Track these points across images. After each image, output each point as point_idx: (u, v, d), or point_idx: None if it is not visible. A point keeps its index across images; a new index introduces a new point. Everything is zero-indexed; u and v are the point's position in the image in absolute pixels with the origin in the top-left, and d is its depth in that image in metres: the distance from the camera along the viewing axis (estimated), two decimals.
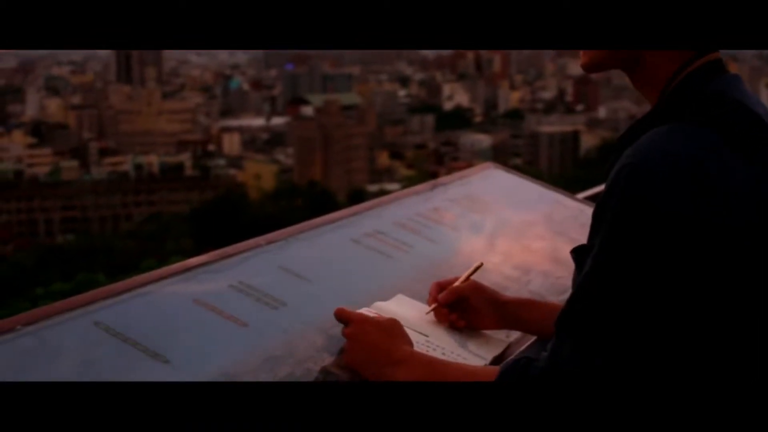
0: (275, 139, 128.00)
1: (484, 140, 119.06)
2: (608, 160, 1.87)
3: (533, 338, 2.49)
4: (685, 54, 1.89)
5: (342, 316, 2.23)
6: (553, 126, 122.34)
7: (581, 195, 4.21)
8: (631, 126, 1.90)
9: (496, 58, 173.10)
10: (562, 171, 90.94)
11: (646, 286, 1.69)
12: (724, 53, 1.93)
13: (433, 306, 2.49)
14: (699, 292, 1.68)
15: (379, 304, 2.49)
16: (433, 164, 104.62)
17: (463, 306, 2.47)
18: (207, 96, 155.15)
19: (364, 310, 2.34)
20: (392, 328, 2.18)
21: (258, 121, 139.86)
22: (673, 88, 1.87)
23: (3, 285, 51.05)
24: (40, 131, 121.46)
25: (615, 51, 1.94)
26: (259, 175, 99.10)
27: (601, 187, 2.46)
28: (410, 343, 2.18)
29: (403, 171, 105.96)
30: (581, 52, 2.00)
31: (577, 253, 1.95)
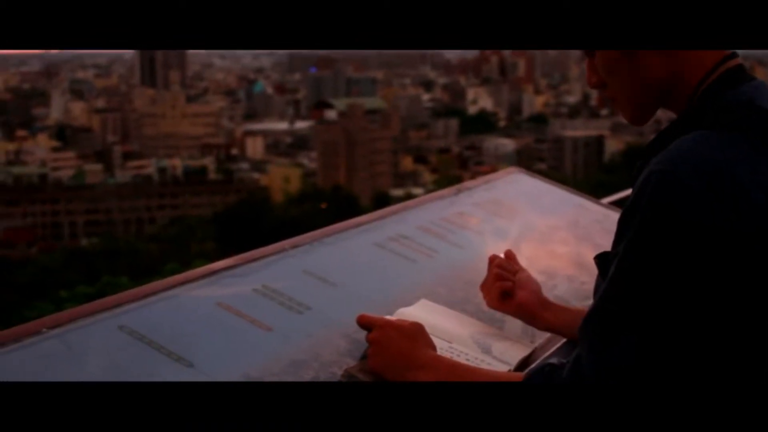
0: (299, 143, 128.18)
1: (508, 144, 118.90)
2: (635, 167, 1.86)
3: (558, 344, 2.48)
4: (708, 62, 1.88)
5: (364, 323, 2.23)
6: (577, 130, 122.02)
7: (606, 200, 4.21)
8: (660, 133, 1.89)
9: (520, 62, 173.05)
10: (587, 176, 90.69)
11: (669, 294, 1.68)
12: (749, 57, 1.92)
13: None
14: (722, 302, 1.68)
15: (403, 310, 2.49)
16: (457, 168, 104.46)
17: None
18: (231, 99, 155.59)
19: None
20: (416, 333, 2.18)
21: (282, 125, 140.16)
22: (699, 97, 1.86)
23: (27, 287, 51.29)
24: (65, 134, 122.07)
25: (647, 91, 1.93)
26: (288, 178, 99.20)
27: (625, 192, 2.44)
28: (434, 348, 2.18)
29: (427, 175, 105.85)
30: (620, 110, 2.00)
31: (601, 259, 1.94)
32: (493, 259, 2.54)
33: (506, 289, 2.47)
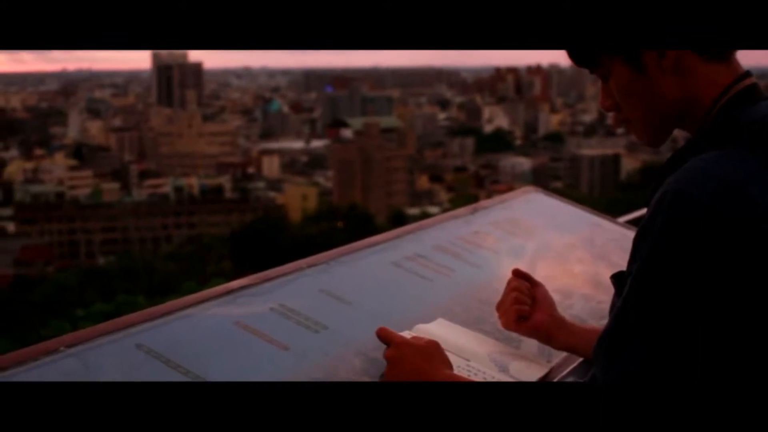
0: (315, 162, 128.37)
1: (524, 163, 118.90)
2: (650, 187, 1.86)
3: (575, 363, 2.48)
4: (722, 83, 1.88)
5: (383, 336, 2.24)
6: (593, 149, 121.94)
7: (622, 219, 4.20)
8: (675, 153, 1.89)
9: (536, 81, 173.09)
10: (603, 194, 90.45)
11: (682, 310, 1.68)
12: (765, 76, 1.93)
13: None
14: (735, 318, 1.68)
15: (421, 326, 2.49)
16: (473, 187, 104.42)
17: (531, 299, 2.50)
18: (247, 118, 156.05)
19: (406, 333, 2.34)
20: (432, 352, 2.18)
21: (298, 144, 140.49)
22: (714, 116, 1.87)
23: (44, 305, 51.36)
24: (82, 153, 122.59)
25: (662, 113, 1.94)
26: (304, 196, 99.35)
27: (642, 211, 2.43)
28: (450, 367, 2.18)
29: (443, 194, 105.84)
30: (635, 132, 2.01)
31: (618, 278, 1.94)
32: (510, 282, 2.53)
33: (523, 313, 2.47)
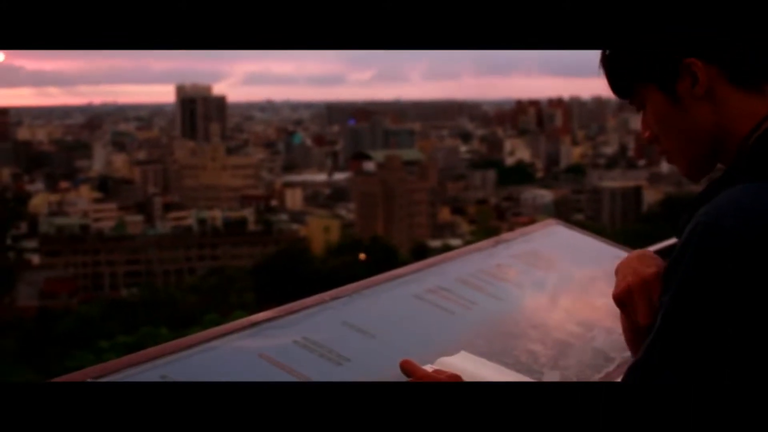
0: (337, 194, 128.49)
1: (545, 195, 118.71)
2: (681, 218, 1.86)
3: None
4: (757, 115, 1.88)
5: (407, 368, 2.24)
6: (615, 181, 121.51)
7: None
8: (708, 185, 1.89)
9: (557, 113, 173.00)
10: (625, 227, 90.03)
11: (715, 341, 1.68)
12: None
13: None
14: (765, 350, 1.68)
15: (445, 359, 2.50)
16: (494, 220, 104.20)
17: None
18: (270, 151, 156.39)
19: (428, 367, 2.35)
20: None
21: (320, 176, 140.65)
22: (748, 149, 1.87)
23: (68, 337, 51.45)
24: (106, 186, 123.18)
25: (697, 144, 1.94)
26: (326, 229, 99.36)
27: (664, 243, 2.42)
28: None
29: (465, 226, 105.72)
30: (675, 164, 2.01)
31: None
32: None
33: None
